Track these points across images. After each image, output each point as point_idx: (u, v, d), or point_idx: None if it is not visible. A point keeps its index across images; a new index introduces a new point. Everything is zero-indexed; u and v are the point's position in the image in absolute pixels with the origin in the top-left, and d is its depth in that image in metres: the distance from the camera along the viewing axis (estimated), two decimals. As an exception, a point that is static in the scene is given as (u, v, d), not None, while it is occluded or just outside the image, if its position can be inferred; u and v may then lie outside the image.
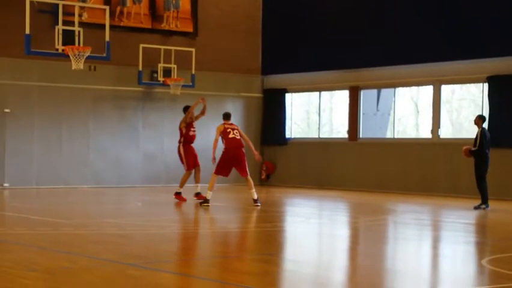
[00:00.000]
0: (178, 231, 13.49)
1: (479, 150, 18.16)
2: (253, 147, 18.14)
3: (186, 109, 19.24)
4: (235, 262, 10.12)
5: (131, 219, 14.90)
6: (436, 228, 15.32)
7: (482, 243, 12.77)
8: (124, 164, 25.09)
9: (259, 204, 17.63)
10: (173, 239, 12.38)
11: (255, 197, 17.66)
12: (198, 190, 18.80)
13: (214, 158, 17.49)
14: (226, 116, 18.11)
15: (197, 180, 18.90)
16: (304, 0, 27.03)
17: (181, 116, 25.71)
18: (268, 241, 12.51)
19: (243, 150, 17.76)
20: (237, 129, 17.82)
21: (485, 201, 18.21)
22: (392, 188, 24.17)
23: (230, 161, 17.65)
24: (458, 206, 19.35)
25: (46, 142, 23.78)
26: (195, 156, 18.86)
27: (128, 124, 25.30)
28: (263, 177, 27.72)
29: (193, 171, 18.82)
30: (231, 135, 17.59)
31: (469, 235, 13.95)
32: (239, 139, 17.66)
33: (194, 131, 19.03)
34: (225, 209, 17.63)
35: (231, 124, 17.94)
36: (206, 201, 17.53)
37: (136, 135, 25.30)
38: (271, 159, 27.82)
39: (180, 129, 18.92)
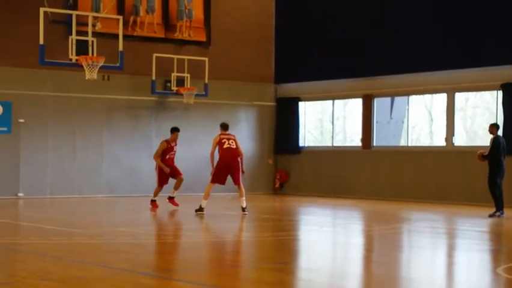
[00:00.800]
0: (192, 240, 13.47)
1: (491, 157, 18.09)
2: (243, 162, 18.19)
3: (174, 130, 19.88)
4: (249, 271, 10.09)
5: (145, 229, 14.90)
6: (451, 236, 15.24)
7: (497, 251, 12.69)
8: (138, 173, 25.10)
9: (247, 212, 17.82)
10: (187, 248, 12.36)
11: (244, 205, 17.89)
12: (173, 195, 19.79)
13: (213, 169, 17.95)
14: (224, 127, 18.37)
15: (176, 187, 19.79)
16: (317, 8, 27.01)
17: (194, 125, 25.66)
18: (283, 250, 12.48)
19: (238, 159, 17.95)
20: (233, 139, 18.03)
21: (499, 208, 18.10)
22: (406, 196, 24.08)
23: (225, 170, 17.89)
24: (472, 214, 19.25)
25: (60, 152, 23.84)
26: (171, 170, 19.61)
27: (142, 133, 25.33)
28: (277, 186, 27.69)
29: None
30: (225, 146, 17.87)
31: (483, 243, 13.87)
32: (234, 148, 17.92)
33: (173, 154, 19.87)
34: (238, 218, 17.60)
35: (228, 134, 18.19)
36: (201, 209, 17.80)
37: (149, 144, 25.30)
38: (284, 168, 27.78)
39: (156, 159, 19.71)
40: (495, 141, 18.17)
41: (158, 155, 19.47)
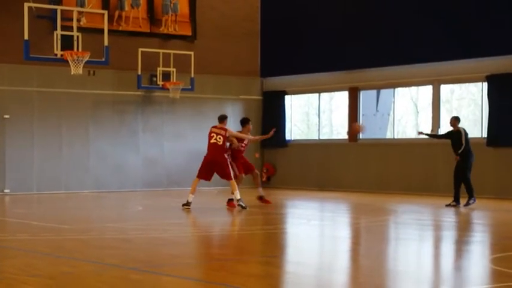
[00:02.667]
0: (180, 235, 13.48)
1: (464, 149, 18.68)
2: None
3: (245, 121, 18.93)
4: (237, 264, 10.12)
5: (133, 224, 14.90)
6: (438, 228, 15.31)
7: (484, 242, 12.77)
8: (125, 168, 25.08)
9: (241, 204, 17.66)
10: (175, 243, 12.37)
11: (237, 197, 17.60)
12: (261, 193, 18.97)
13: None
14: (220, 118, 18.15)
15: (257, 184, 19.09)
16: (303, 2, 27.04)
17: (181, 120, 25.66)
18: (270, 243, 12.51)
19: (225, 155, 17.74)
20: (222, 135, 17.71)
21: (472, 195, 18.61)
22: (392, 188, 24.17)
23: (209, 166, 17.73)
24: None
25: (46, 147, 23.79)
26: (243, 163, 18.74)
27: (128, 128, 25.30)
28: (264, 179, 27.70)
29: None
30: (212, 140, 17.73)
31: (471, 234, 13.95)
32: (220, 144, 17.65)
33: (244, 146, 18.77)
34: (226, 212, 17.62)
35: (220, 128, 17.89)
36: (188, 204, 17.66)
37: (136, 139, 25.31)
38: (271, 162, 27.81)
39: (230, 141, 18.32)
40: (465, 133, 18.60)
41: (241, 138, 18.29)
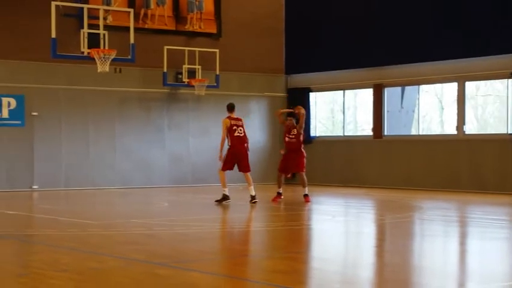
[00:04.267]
0: (205, 231, 13.57)
1: None
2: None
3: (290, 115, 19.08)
4: (262, 260, 10.18)
5: (159, 220, 15.01)
6: (463, 224, 15.28)
7: (510, 238, 12.73)
8: (150, 165, 25.24)
9: (256, 200, 17.94)
10: (201, 238, 12.46)
11: (253, 193, 17.99)
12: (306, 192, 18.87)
13: (221, 157, 17.94)
14: (231, 108, 18.26)
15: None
16: (327, -1, 27.02)
17: (206, 117, 25.78)
18: (295, 239, 12.56)
19: (246, 146, 18.12)
20: (241, 126, 18.08)
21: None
22: (417, 184, 24.12)
23: (234, 157, 17.99)
24: (484, 202, 19.29)
25: (73, 144, 23.99)
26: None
27: (154, 125, 25.45)
28: (289, 176, 27.68)
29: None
30: (236, 134, 17.95)
31: (496, 231, 13.90)
32: (243, 136, 18.05)
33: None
34: (250, 208, 17.69)
35: (236, 119, 18.13)
36: (225, 197, 17.90)
37: (161, 136, 25.45)
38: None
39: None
40: None
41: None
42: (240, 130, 17.99)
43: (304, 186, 18.82)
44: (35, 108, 23.43)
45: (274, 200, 18.71)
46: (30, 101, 23.37)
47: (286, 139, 19.08)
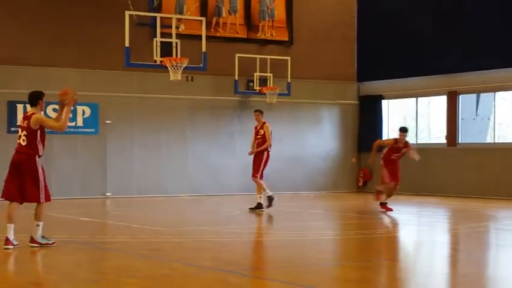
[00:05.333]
0: (276, 239, 13.52)
1: None
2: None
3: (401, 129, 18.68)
4: (334, 269, 10.09)
5: (229, 227, 15.02)
6: (540, 234, 14.90)
7: None
8: (222, 172, 25.33)
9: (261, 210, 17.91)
10: (271, 247, 12.42)
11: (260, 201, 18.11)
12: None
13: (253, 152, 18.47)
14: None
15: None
16: (399, 5, 26.75)
17: (277, 124, 25.81)
18: (368, 248, 12.42)
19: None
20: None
21: None
22: (492, 193, 23.65)
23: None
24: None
25: (145, 152, 24.24)
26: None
27: (225, 133, 25.54)
28: (360, 184, 27.56)
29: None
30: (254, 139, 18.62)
31: None
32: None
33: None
34: (323, 216, 17.59)
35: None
36: (265, 205, 17.99)
37: (232, 143, 25.51)
38: (368, 166, 27.59)
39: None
40: None
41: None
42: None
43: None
44: (108, 116, 23.75)
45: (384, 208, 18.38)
46: (104, 109, 23.70)
47: (393, 157, 18.57)
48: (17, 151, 11.42)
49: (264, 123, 18.47)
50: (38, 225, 11.47)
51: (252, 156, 18.48)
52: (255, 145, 18.49)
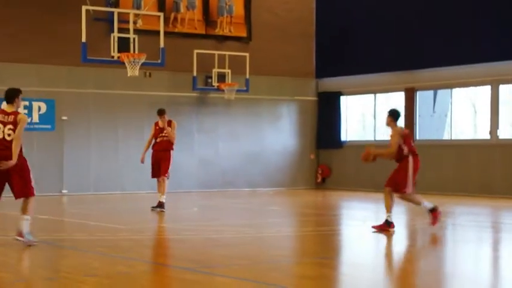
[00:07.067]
0: (234, 236, 13.49)
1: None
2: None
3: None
4: (292, 266, 10.07)
5: (187, 224, 14.96)
6: (496, 230, 15.06)
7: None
8: (180, 169, 25.17)
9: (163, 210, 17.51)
10: (229, 244, 12.38)
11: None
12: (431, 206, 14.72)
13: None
14: (161, 112, 18.26)
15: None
16: (358, 2, 26.87)
17: (236, 121, 25.72)
18: (325, 245, 12.44)
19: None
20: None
21: None
22: (449, 190, 23.86)
23: None
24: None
25: (103, 148, 24.03)
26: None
27: (183, 129, 25.39)
28: (319, 180, 27.62)
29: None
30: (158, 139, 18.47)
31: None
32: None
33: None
34: (280, 213, 17.58)
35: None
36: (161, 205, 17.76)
37: (191, 140, 25.42)
38: (326, 163, 27.69)
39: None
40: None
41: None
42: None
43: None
44: (65, 113, 23.50)
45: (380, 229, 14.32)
46: (60, 105, 23.44)
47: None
48: (1, 148, 11.09)
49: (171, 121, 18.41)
50: (27, 220, 11.30)
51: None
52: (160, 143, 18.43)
